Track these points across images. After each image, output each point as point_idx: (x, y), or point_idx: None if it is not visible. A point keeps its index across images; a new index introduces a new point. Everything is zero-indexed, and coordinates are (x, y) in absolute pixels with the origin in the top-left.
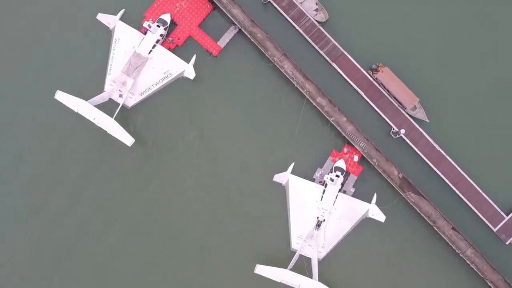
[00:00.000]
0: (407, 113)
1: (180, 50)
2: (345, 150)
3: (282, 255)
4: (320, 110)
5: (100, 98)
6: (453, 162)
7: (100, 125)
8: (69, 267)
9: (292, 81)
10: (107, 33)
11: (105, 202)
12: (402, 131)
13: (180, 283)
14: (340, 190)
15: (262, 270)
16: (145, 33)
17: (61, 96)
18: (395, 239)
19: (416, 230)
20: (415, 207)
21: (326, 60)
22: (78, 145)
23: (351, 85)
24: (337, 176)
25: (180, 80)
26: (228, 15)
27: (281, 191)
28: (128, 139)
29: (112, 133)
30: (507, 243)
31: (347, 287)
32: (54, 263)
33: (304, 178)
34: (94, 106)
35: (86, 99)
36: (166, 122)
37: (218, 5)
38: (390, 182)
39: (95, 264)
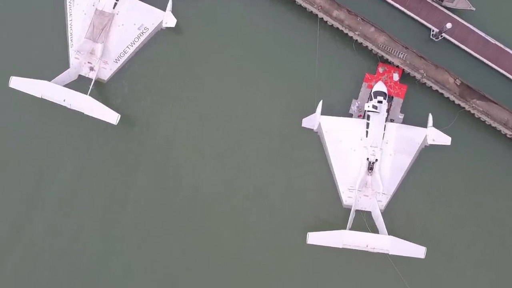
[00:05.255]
0: (445, 7)
1: None
2: (381, 69)
3: (334, 215)
4: (340, 27)
5: (66, 76)
6: None
7: (73, 107)
8: (75, 262)
9: None
10: None
11: (113, 194)
12: (448, 25)
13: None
14: (386, 120)
15: (316, 238)
16: None
17: (16, 82)
18: (468, 163)
19: (491, 146)
20: (484, 117)
21: None
22: (52, 139)
23: None
24: (380, 102)
25: (161, 33)
26: None
27: (315, 138)
28: (112, 116)
29: (91, 113)
30: None
31: (423, 235)
32: (55, 257)
33: (338, 116)
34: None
35: (49, 80)
36: (157, 88)
37: None
38: (447, 94)
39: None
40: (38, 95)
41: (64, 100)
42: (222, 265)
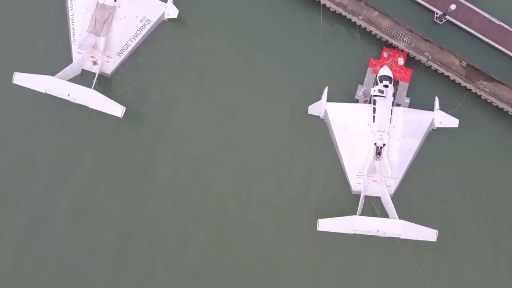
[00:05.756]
0: None
1: None
2: (385, 54)
3: (344, 202)
4: (343, 12)
5: (70, 71)
6: None
7: (78, 101)
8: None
9: None
10: None
11: (121, 192)
12: (452, 6)
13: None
14: (392, 104)
15: (326, 224)
16: None
17: (20, 78)
18: (476, 145)
19: (498, 128)
20: (491, 98)
21: None
22: (57, 133)
23: None
24: (386, 86)
25: (163, 25)
26: None
27: (321, 125)
28: (117, 109)
29: (96, 106)
30: None
31: (434, 219)
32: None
33: (344, 102)
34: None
35: (53, 76)
36: (161, 80)
37: None
38: (452, 77)
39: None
40: (42, 90)
41: (68, 95)
42: (233, 255)
